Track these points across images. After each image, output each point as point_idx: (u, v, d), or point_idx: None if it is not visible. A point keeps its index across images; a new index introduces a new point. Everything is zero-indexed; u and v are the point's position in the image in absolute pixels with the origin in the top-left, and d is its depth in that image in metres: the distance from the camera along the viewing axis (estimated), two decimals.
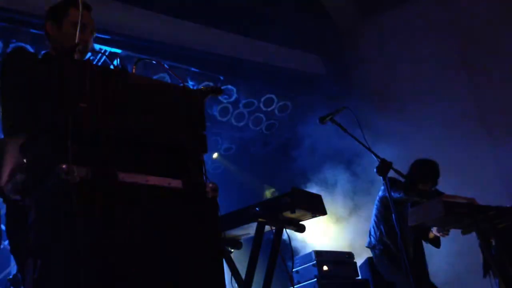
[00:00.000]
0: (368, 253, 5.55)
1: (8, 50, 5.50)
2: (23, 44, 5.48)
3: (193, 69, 6.97)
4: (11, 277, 4.77)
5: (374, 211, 4.91)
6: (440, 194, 4.65)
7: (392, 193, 4.44)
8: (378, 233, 4.78)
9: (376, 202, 4.91)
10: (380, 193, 4.87)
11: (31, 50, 5.28)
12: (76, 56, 2.20)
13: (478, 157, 6.58)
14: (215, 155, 8.23)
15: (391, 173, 3.93)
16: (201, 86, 2.89)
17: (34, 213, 1.87)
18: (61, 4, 2.63)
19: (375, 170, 3.85)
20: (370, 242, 4.88)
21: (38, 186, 1.90)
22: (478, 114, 6.89)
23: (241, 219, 3.37)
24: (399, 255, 3.68)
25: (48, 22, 2.61)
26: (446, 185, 4.85)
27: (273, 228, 3.42)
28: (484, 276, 4.27)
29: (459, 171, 6.11)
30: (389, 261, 4.66)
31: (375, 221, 4.86)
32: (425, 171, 4.79)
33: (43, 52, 2.76)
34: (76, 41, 2.23)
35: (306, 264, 5.59)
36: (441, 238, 4.85)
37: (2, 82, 2.37)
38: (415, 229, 4.59)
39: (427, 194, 4.52)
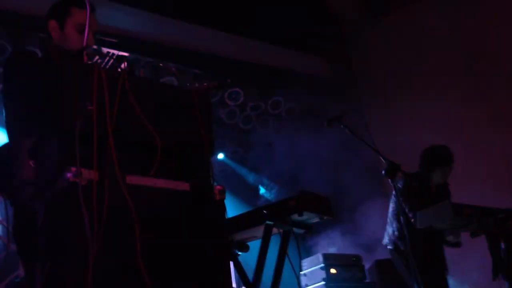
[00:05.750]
0: (375, 256, 5.54)
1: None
2: (32, 48, 5.47)
3: (199, 72, 6.97)
4: (18, 280, 4.78)
5: (389, 210, 4.89)
6: (449, 195, 4.66)
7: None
8: (391, 232, 4.76)
9: (391, 201, 4.89)
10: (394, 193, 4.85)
11: (40, 54, 5.26)
12: (84, 59, 2.21)
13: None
14: (221, 156, 8.24)
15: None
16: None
17: (43, 215, 1.88)
18: (61, 2, 2.50)
19: (383, 172, 3.84)
20: (385, 240, 4.87)
21: (47, 189, 1.90)
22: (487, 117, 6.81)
23: (248, 221, 3.36)
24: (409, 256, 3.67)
25: (52, 21, 2.50)
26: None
27: (281, 230, 3.41)
28: (494, 279, 4.24)
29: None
30: (401, 260, 4.63)
31: (389, 220, 4.84)
32: (436, 157, 4.76)
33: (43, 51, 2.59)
34: (84, 44, 2.23)
35: (314, 267, 5.58)
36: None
37: (7, 86, 2.34)
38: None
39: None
